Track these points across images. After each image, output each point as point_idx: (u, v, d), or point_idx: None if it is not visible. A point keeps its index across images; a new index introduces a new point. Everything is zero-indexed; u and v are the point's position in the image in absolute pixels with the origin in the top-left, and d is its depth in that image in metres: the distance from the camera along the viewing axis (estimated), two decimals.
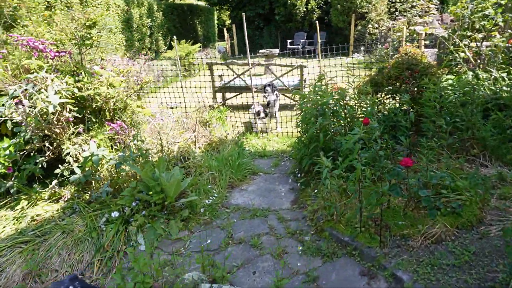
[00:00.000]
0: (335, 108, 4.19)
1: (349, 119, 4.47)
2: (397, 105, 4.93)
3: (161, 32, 17.37)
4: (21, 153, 3.78)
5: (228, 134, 5.47)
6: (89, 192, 3.91)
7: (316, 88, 4.37)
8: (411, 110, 4.51)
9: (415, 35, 8.89)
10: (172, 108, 8.51)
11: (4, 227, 3.52)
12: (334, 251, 3.15)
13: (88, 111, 3.94)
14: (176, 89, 7.08)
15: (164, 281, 2.39)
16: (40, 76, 3.24)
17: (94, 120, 4.00)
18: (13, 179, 3.77)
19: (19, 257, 3.22)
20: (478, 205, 3.18)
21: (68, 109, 3.71)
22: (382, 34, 12.89)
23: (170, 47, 17.92)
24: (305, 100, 4.22)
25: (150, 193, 3.69)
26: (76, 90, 3.67)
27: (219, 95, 8.62)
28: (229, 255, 3.19)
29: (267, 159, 5.53)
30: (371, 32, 13.78)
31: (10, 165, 3.83)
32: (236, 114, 6.89)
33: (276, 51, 13.13)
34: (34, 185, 3.84)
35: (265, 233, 3.57)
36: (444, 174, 3.24)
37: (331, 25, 17.80)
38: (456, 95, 4.30)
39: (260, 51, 13.03)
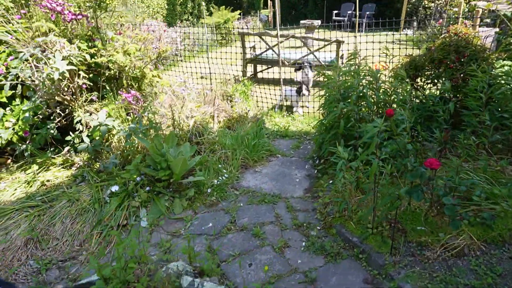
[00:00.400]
0: (363, 91, 3.77)
1: (380, 105, 4.04)
2: (438, 92, 4.37)
3: None
4: (36, 117, 3.79)
5: (249, 110, 5.20)
6: (99, 162, 3.88)
7: (345, 68, 3.94)
8: (452, 99, 3.97)
9: (474, 12, 7.86)
10: (202, 77, 8.34)
11: (15, 189, 3.60)
12: (339, 251, 2.89)
13: (103, 79, 3.84)
14: (209, 58, 6.81)
15: (147, 268, 2.27)
16: (48, 40, 3.14)
17: (108, 88, 3.89)
18: (27, 142, 3.81)
19: (24, 221, 3.28)
20: None
21: (81, 76, 3.61)
22: (438, 8, 11.64)
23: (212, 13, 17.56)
24: (329, 81, 3.82)
25: (157, 168, 3.58)
26: (88, 57, 3.55)
27: (250, 68, 8.29)
28: (226, 244, 3.03)
29: (288, 140, 5.23)
30: (426, 5, 12.50)
31: (28, 128, 3.87)
32: (264, 89, 6.57)
33: (318, 22, 12.35)
34: (47, 151, 3.87)
35: (270, 222, 3.36)
36: (476, 181, 2.80)
37: None
38: (510, 86, 3.69)
39: (301, 22, 12.31)
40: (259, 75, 8.48)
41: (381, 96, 3.92)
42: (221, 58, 6.69)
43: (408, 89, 3.77)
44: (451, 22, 8.60)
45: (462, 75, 4.06)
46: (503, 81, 3.71)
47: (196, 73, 6.95)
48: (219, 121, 5.11)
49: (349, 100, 3.59)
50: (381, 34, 8.96)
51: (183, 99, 5.09)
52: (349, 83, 3.55)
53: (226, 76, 6.02)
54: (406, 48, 8.13)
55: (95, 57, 3.71)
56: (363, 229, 2.97)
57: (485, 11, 6.61)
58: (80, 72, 3.54)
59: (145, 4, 16.22)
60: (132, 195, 3.51)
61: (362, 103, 3.80)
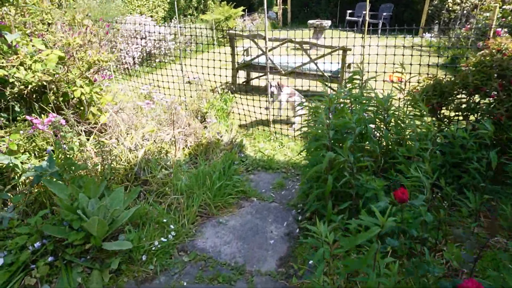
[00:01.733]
0: (365, 129, 2.67)
1: (390, 146, 2.93)
2: (468, 126, 3.23)
3: None
4: None
5: (221, 136, 4.11)
6: None
7: (342, 94, 2.83)
8: (493, 144, 2.83)
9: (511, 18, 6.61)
10: (189, 83, 7.29)
11: None
12: None
13: (11, 97, 2.82)
14: (199, 61, 5.64)
15: None
16: None
17: (18, 109, 2.88)
18: None
19: None
20: None
21: None
22: (465, 12, 10.32)
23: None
24: (315, 112, 2.71)
25: (66, 229, 2.55)
26: None
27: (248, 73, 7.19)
28: None
29: (272, 174, 4.14)
30: (450, 8, 11.19)
31: None
32: (253, 100, 5.46)
33: (328, 23, 11.15)
34: None
35: None
36: None
37: None
38: None
39: (309, 22, 11.14)
40: (250, 84, 7.39)
41: (392, 136, 2.81)
42: (214, 59, 5.58)
43: (431, 129, 2.63)
44: (481, 29, 7.36)
45: (507, 109, 2.91)
46: None
47: (188, 76, 5.88)
48: (185, 148, 4.05)
49: (343, 145, 2.49)
50: (398, 37, 7.76)
51: (143, 117, 4.05)
52: (342, 121, 2.44)
53: (212, 84, 4.96)
54: (428, 56, 6.97)
55: None
56: None
57: None
58: None
59: None
60: (29, 266, 2.49)
61: (364, 144, 2.69)
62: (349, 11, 15.51)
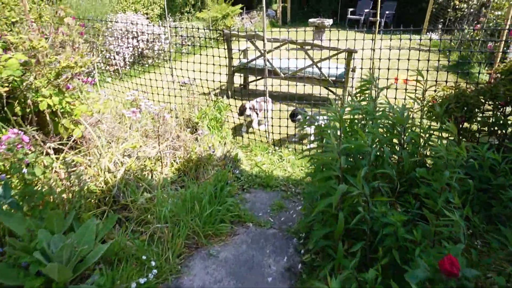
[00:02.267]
0: (381, 153, 2.23)
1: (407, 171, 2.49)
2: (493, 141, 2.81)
3: None
4: None
5: (214, 151, 3.66)
6: None
7: (352, 110, 2.40)
8: None
9: None
10: (183, 84, 6.85)
11: None
12: None
13: None
14: (194, 62, 5.14)
15: None
16: None
17: None
18: None
19: None
20: None
21: None
22: (472, 10, 9.87)
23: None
24: (322, 133, 2.27)
25: (21, 273, 2.11)
26: None
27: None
28: None
29: (270, 192, 3.70)
30: (457, 6, 10.74)
31: None
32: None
33: (329, 22, 10.71)
34: None
35: None
36: None
37: None
38: None
39: (309, 20, 10.70)
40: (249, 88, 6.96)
41: (409, 157, 2.38)
42: (207, 63, 5.13)
43: (461, 152, 2.20)
44: (493, 28, 6.92)
45: None
46: None
47: (183, 77, 5.42)
48: (173, 163, 3.61)
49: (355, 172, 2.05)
50: (402, 38, 7.32)
51: (126, 128, 3.61)
52: (356, 143, 2.01)
53: (206, 88, 4.52)
54: (438, 60, 6.53)
55: None
56: None
57: None
58: None
59: None
60: None
61: (381, 170, 2.25)
62: (350, 9, 15.05)
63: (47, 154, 2.71)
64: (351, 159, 2.19)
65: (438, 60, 4.29)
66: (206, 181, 3.27)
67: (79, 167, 2.93)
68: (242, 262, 2.77)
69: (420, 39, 4.91)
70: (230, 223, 3.15)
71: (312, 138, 4.58)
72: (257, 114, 4.76)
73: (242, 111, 4.65)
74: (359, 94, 2.78)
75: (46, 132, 2.80)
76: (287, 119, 4.55)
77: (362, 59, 4.03)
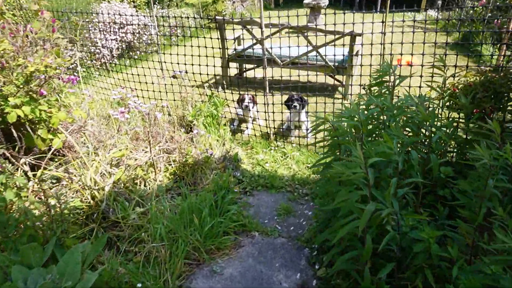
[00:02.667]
0: (410, 159, 1.92)
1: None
2: None
3: None
4: None
5: (212, 153, 3.32)
6: None
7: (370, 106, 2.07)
8: None
9: None
10: (174, 77, 6.45)
11: None
12: None
13: None
14: (185, 52, 4.68)
15: None
16: None
17: None
18: None
19: None
20: None
21: None
22: None
23: None
24: (335, 136, 1.94)
25: None
26: None
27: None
28: None
29: (275, 194, 3.40)
30: None
31: None
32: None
33: (325, 2, 10.21)
34: None
35: None
36: None
37: None
38: None
39: (304, 1, 10.20)
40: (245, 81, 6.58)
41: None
42: (197, 55, 4.73)
43: (504, 156, 1.88)
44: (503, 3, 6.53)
45: None
46: None
47: (173, 70, 5.00)
48: (168, 167, 3.28)
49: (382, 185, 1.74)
50: (398, 13, 6.93)
51: (114, 132, 3.27)
52: (383, 150, 1.69)
53: (199, 79, 4.15)
54: (435, 33, 6.19)
55: None
56: None
57: None
58: None
59: None
60: None
61: (407, 181, 1.94)
62: None
63: (24, 171, 2.38)
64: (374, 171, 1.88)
65: (446, 43, 3.94)
66: (205, 188, 2.96)
67: (61, 183, 2.61)
68: (250, 280, 2.49)
69: (426, 20, 4.50)
70: (234, 233, 2.87)
71: (307, 127, 4.29)
72: (255, 104, 4.44)
73: (240, 103, 4.31)
74: (373, 87, 2.44)
75: (26, 145, 2.46)
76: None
77: (371, 44, 3.66)
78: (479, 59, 6.74)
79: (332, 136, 1.91)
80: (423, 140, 2.23)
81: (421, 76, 3.21)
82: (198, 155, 3.25)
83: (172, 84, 4.34)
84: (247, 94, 4.34)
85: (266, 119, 4.04)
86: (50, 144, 2.61)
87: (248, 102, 4.25)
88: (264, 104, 3.96)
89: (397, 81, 2.33)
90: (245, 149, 4.03)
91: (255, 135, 4.25)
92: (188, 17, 4.45)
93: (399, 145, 1.86)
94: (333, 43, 5.06)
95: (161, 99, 4.30)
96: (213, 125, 3.82)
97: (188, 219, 2.64)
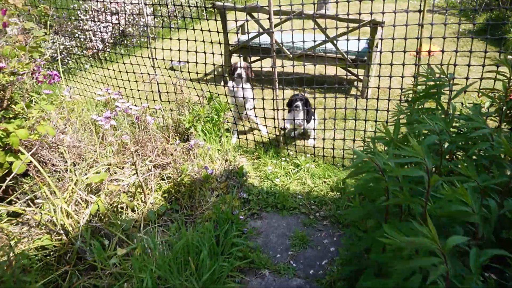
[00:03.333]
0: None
1: None
2: None
3: None
4: None
5: (213, 171, 2.77)
6: None
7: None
8: None
9: None
10: (173, 69, 5.88)
11: None
12: None
13: None
14: (182, 41, 3.99)
15: None
16: None
17: None
18: None
19: None
20: None
21: None
22: None
23: None
24: (397, 192, 1.39)
25: None
26: None
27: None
28: None
29: (287, 217, 2.88)
30: None
31: None
32: (257, 98, 4.08)
33: None
34: None
35: None
36: None
37: None
38: None
39: None
40: (260, 69, 5.97)
41: None
42: (195, 42, 4.12)
43: None
44: None
45: None
46: None
47: (171, 60, 4.37)
48: (161, 186, 2.76)
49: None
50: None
51: (97, 142, 2.73)
52: (459, 208, 1.15)
53: (199, 72, 3.57)
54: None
55: None
56: None
57: None
58: None
59: None
60: None
61: (490, 253, 1.40)
62: None
63: None
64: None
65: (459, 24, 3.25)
66: (204, 215, 2.44)
67: (26, 216, 2.10)
68: None
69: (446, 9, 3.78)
70: (239, 270, 2.37)
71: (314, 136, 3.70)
72: (248, 78, 3.76)
73: (233, 72, 3.64)
74: (419, 101, 1.88)
75: None
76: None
77: (405, 38, 3.04)
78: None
79: (376, 180, 1.37)
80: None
81: (467, 79, 2.62)
82: (196, 173, 2.72)
83: (165, 83, 3.76)
84: (239, 64, 3.66)
85: (274, 118, 3.47)
86: (9, 169, 2.10)
87: (241, 72, 3.56)
88: (273, 99, 3.37)
89: (454, 94, 1.76)
90: (251, 159, 3.49)
91: (262, 142, 3.69)
92: (182, 5, 3.84)
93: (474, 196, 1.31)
94: (351, 33, 4.44)
95: (154, 100, 3.74)
96: (213, 132, 3.27)
97: (183, 259, 2.13)
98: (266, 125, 3.71)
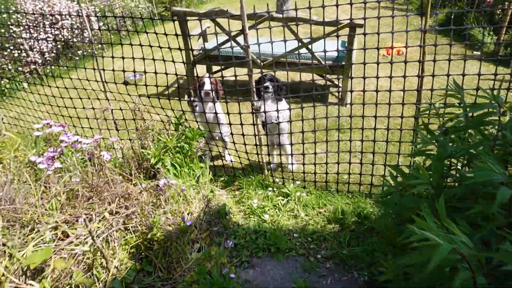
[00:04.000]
0: None
1: None
2: None
3: None
4: None
5: (190, 223, 2.20)
6: None
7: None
8: None
9: None
10: (127, 84, 5.22)
11: None
12: None
13: None
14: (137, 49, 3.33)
15: None
16: None
17: None
18: None
19: None
20: None
21: None
22: None
23: None
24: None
25: None
26: None
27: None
28: None
29: (283, 262, 2.42)
30: None
31: None
32: (232, 113, 3.55)
33: None
34: None
35: None
36: None
37: None
38: None
39: None
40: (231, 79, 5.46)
41: None
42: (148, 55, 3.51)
43: None
44: None
45: None
46: None
47: (123, 71, 3.69)
48: (127, 241, 2.19)
49: None
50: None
51: (37, 195, 2.11)
52: None
53: (160, 83, 2.99)
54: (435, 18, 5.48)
55: None
56: None
57: None
58: None
59: None
60: None
61: None
62: None
63: None
64: None
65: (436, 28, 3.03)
66: (185, 280, 1.92)
67: None
68: None
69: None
70: None
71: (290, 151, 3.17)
72: (218, 95, 3.22)
73: (199, 89, 3.11)
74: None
75: None
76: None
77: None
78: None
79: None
80: None
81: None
82: (171, 224, 2.18)
83: (121, 109, 3.14)
84: (207, 77, 3.15)
85: (256, 144, 3.00)
86: None
87: (209, 88, 3.05)
88: (253, 124, 2.91)
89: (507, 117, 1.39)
90: (232, 193, 2.99)
91: (242, 169, 3.20)
92: (132, 18, 3.24)
93: None
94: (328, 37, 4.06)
95: (108, 130, 3.12)
96: (185, 164, 2.73)
97: None
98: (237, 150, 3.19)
